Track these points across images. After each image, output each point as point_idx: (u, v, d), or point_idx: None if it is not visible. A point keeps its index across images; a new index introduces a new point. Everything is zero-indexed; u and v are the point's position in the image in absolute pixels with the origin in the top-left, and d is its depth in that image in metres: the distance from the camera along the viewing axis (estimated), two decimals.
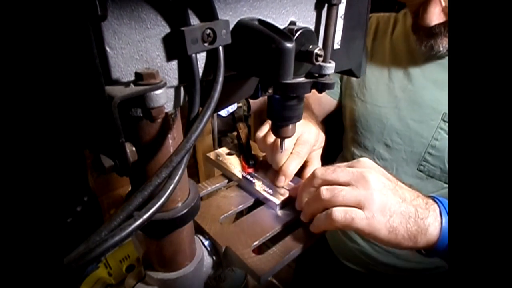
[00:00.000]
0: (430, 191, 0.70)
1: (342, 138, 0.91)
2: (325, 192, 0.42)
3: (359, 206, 0.41)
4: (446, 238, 0.41)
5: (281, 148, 0.52)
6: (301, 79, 0.38)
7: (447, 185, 0.69)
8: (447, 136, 0.66)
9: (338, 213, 0.40)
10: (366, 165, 0.44)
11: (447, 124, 0.66)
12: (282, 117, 0.44)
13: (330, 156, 0.96)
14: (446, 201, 0.44)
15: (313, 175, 0.45)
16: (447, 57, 0.67)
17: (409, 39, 0.74)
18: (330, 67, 0.36)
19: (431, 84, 0.69)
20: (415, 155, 0.71)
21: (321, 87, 0.39)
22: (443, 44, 0.63)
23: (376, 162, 0.76)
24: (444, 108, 0.66)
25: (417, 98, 0.70)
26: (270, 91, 0.40)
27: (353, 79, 0.84)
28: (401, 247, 0.42)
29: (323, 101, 0.88)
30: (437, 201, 0.43)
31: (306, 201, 0.46)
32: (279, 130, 0.46)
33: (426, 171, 0.70)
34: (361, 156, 0.79)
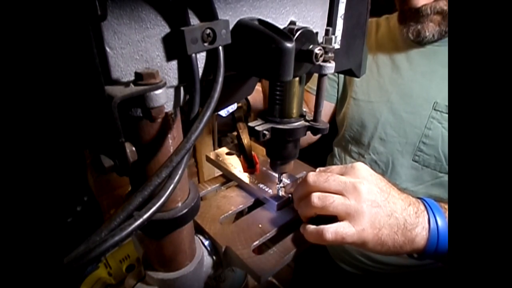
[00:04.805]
0: (426, 180, 0.72)
1: (333, 139, 0.92)
2: (316, 200, 0.42)
3: (349, 218, 0.41)
4: (435, 242, 0.41)
5: (279, 182, 0.55)
6: (297, 124, 0.42)
7: (442, 174, 0.70)
8: (439, 125, 0.68)
9: (329, 234, 0.40)
10: (359, 174, 0.44)
11: (438, 113, 0.68)
12: (280, 156, 0.47)
13: (320, 155, 0.96)
14: (435, 205, 0.44)
15: (305, 181, 0.45)
16: (434, 45, 0.70)
17: (395, 37, 0.78)
18: (330, 67, 0.36)
19: (419, 75, 0.71)
20: (410, 146, 0.72)
21: (316, 132, 0.42)
22: (429, 29, 0.66)
23: (372, 157, 0.80)
24: (434, 97, 0.68)
25: (407, 90, 0.72)
26: (268, 135, 0.42)
27: (344, 79, 0.87)
28: (385, 255, 0.43)
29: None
30: (427, 206, 0.44)
31: (299, 205, 0.46)
32: (279, 168, 0.49)
33: (421, 161, 0.71)
34: (358, 153, 0.81)
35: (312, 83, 0.84)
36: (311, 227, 0.43)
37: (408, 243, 0.41)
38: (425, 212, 0.43)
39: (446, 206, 0.44)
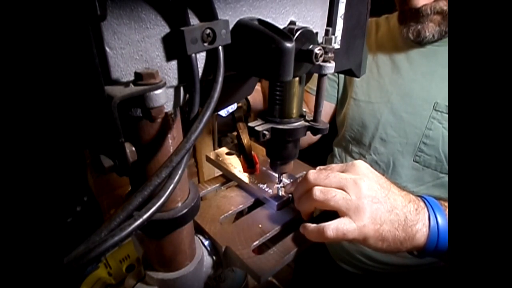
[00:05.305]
0: (427, 181, 0.72)
1: (333, 139, 0.92)
2: (318, 193, 0.42)
3: (349, 213, 0.41)
4: (435, 240, 0.41)
5: (279, 182, 0.55)
6: (297, 124, 0.42)
7: (443, 175, 0.70)
8: (440, 125, 0.68)
9: (330, 231, 0.40)
10: (360, 171, 0.44)
11: (438, 113, 0.68)
12: (280, 157, 0.47)
13: (320, 155, 0.97)
14: (435, 202, 0.44)
15: (306, 178, 0.45)
16: (434, 45, 0.70)
17: (395, 37, 0.78)
18: (330, 67, 0.36)
19: (419, 75, 0.71)
20: (410, 147, 0.72)
21: (316, 132, 0.42)
22: (429, 29, 0.66)
23: (373, 157, 0.80)
24: (434, 97, 0.68)
25: (407, 90, 0.72)
26: (268, 135, 0.42)
27: (344, 79, 0.87)
28: (386, 252, 0.43)
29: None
30: (427, 203, 0.44)
31: (300, 201, 0.46)
32: (279, 168, 0.49)
33: (422, 161, 0.71)
34: (359, 153, 0.81)
35: (312, 83, 0.84)
36: (312, 225, 0.43)
37: (409, 240, 0.41)
38: (425, 210, 0.43)
39: (446, 204, 0.44)
